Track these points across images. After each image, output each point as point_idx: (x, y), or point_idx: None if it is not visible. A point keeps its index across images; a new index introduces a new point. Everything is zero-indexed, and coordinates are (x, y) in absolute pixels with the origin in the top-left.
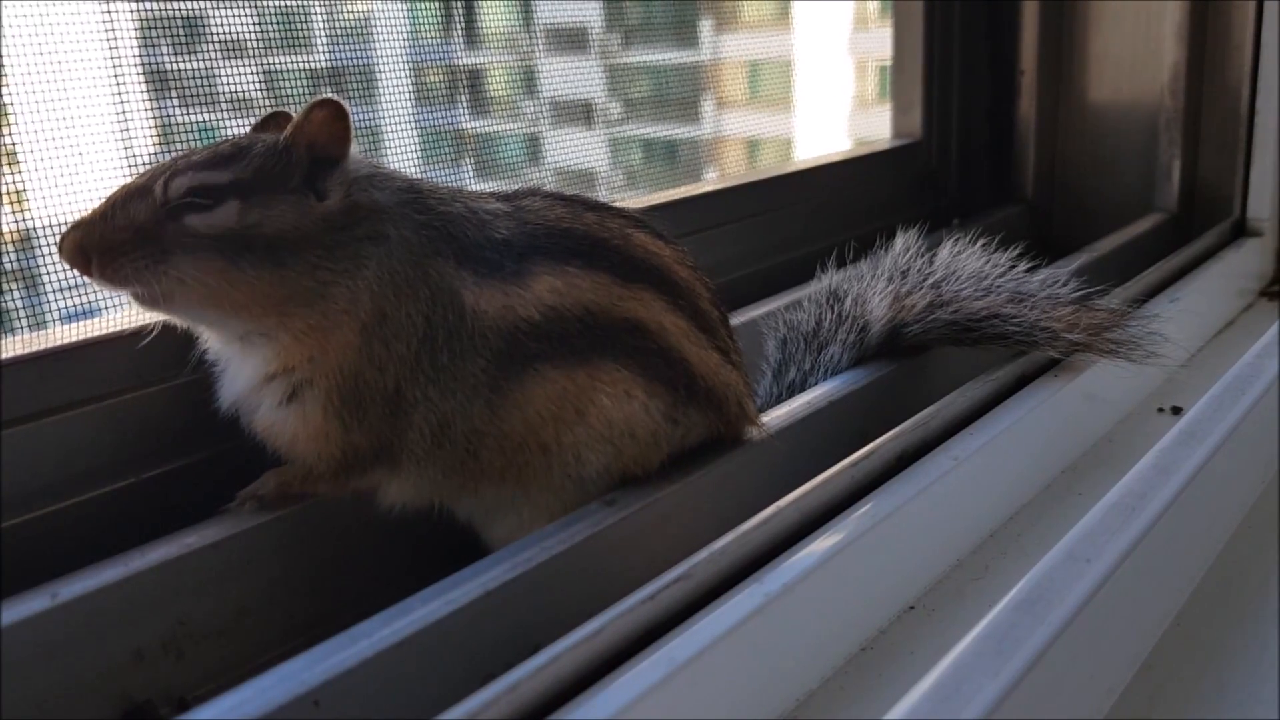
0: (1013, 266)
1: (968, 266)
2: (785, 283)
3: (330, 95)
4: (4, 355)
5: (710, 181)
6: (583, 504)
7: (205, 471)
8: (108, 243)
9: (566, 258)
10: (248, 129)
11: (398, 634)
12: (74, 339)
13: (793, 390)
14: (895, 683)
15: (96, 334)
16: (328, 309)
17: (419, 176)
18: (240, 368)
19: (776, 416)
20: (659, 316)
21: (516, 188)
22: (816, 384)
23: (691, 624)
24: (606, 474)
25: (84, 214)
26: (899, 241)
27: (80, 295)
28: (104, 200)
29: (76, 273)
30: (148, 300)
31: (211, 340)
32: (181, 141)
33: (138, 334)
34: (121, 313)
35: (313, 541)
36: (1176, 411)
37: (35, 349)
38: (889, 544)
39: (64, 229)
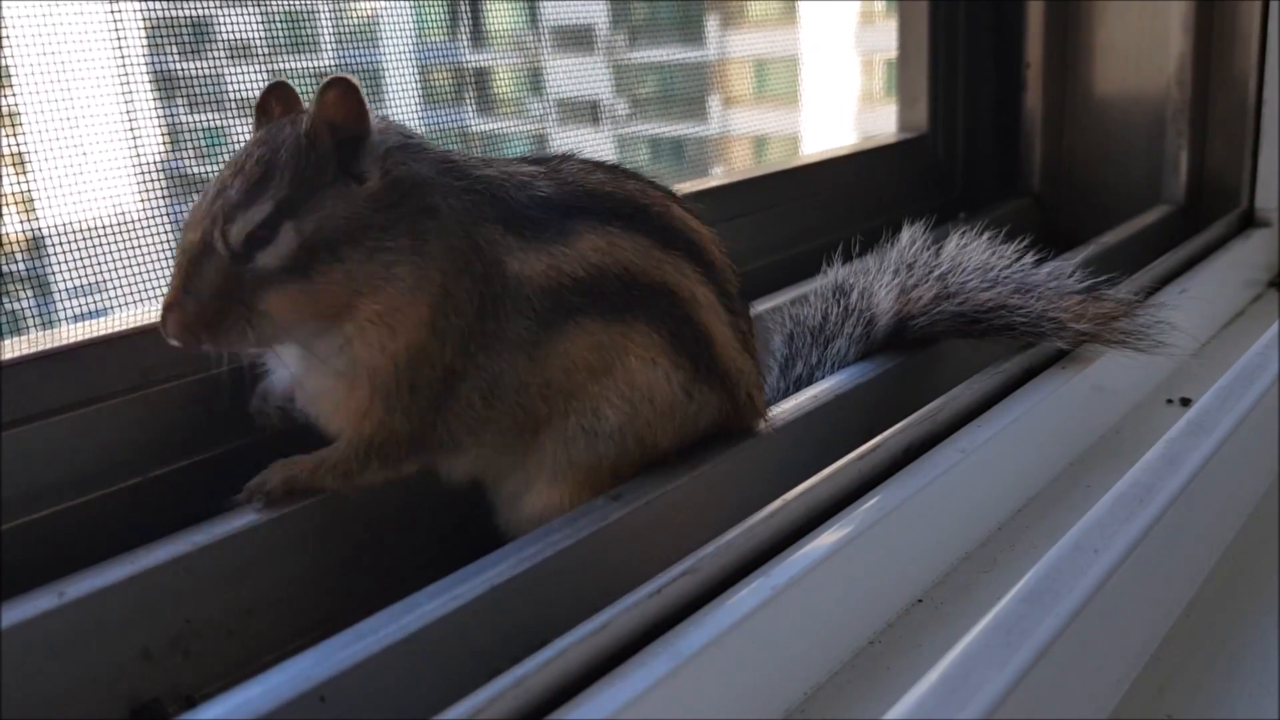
0: (1019, 258)
1: (974, 259)
2: (791, 277)
3: (337, 74)
4: (12, 355)
5: (716, 176)
6: (588, 464)
7: (212, 470)
8: (207, 317)
9: (608, 218)
10: (251, 123)
11: (404, 629)
12: (80, 338)
13: (799, 384)
14: (903, 676)
15: (102, 333)
16: (396, 289)
17: (446, 147)
18: (304, 352)
19: (783, 410)
20: (692, 286)
21: (547, 154)
22: (823, 378)
23: (698, 618)
24: (619, 434)
25: (168, 294)
26: (905, 235)
27: (88, 298)
28: (175, 271)
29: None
30: (253, 344)
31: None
32: (187, 145)
33: (144, 333)
34: (126, 314)
35: (320, 540)
36: (1185, 403)
37: (42, 348)
38: (896, 537)
39: (160, 314)
